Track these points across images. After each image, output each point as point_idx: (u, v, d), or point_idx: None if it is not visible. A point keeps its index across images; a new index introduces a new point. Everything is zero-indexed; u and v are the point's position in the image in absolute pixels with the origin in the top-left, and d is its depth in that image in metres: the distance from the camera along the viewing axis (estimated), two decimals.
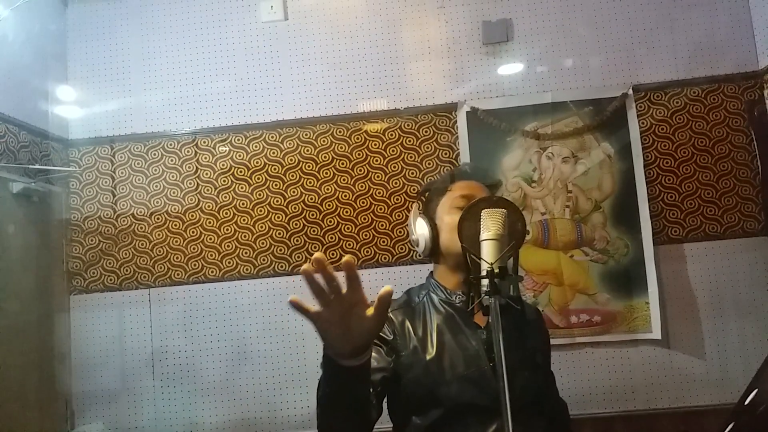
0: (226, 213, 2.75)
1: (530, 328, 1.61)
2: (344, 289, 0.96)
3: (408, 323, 1.51)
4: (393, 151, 2.74)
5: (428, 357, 1.46)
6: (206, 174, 2.77)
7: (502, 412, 1.11)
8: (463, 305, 1.49)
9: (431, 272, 1.64)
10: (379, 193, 2.73)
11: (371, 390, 1.28)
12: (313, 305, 0.96)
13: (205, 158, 2.78)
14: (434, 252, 1.57)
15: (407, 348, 1.47)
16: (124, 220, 2.77)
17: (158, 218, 2.76)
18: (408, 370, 1.46)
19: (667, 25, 2.71)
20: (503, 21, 2.76)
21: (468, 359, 1.46)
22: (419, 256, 1.63)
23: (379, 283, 2.65)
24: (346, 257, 0.93)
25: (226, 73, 2.82)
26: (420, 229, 1.57)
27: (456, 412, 1.42)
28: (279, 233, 2.73)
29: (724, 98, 2.66)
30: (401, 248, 2.69)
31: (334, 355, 1.04)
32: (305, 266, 0.91)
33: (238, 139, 2.78)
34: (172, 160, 2.79)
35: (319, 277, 0.92)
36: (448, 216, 1.54)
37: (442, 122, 2.74)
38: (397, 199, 2.72)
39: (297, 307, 0.94)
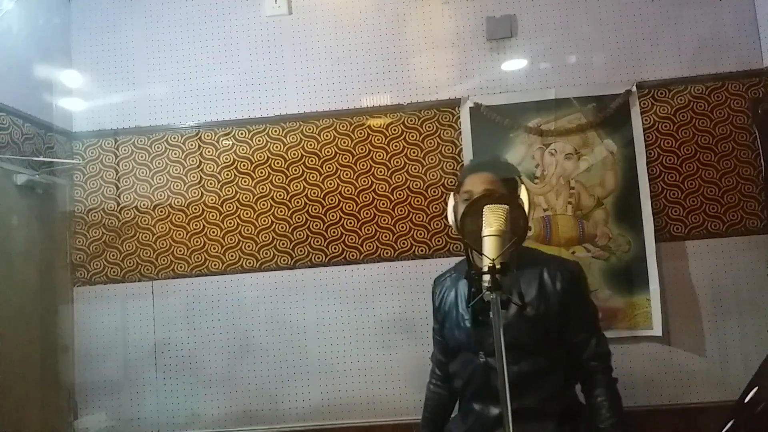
0: (229, 206, 2.76)
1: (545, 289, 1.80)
2: None
3: (444, 293, 1.98)
4: (396, 146, 2.74)
5: (450, 321, 1.91)
6: (209, 167, 2.78)
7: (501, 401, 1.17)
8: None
9: None
10: (382, 188, 2.73)
11: None
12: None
13: (209, 152, 2.79)
14: None
15: (440, 314, 1.99)
16: (127, 213, 2.78)
17: (161, 211, 2.77)
18: (442, 329, 1.98)
19: (672, 22, 2.71)
20: (507, 17, 2.75)
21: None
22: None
23: (382, 279, 2.67)
24: None
25: (230, 66, 2.83)
26: (451, 220, 1.88)
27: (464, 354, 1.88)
28: (282, 227, 2.73)
29: (728, 96, 2.66)
30: (403, 243, 2.69)
31: None
32: None
33: (242, 133, 2.79)
34: (175, 154, 2.80)
35: None
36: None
37: (446, 118, 2.74)
38: (400, 195, 2.72)
39: None
